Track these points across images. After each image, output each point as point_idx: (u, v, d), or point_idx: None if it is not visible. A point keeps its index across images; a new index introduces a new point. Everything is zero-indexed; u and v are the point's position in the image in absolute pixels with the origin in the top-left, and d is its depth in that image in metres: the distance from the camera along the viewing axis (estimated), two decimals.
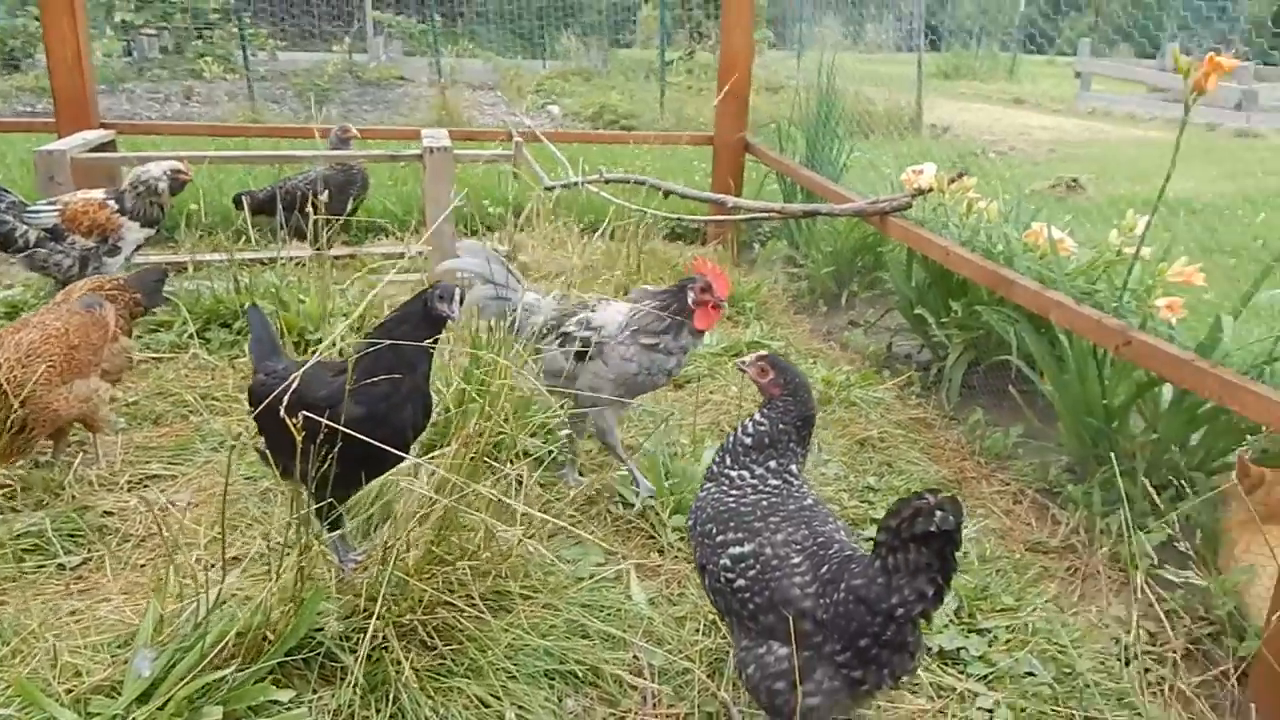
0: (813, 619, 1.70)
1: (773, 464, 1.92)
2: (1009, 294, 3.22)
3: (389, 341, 2.20)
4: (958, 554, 1.59)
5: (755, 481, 1.91)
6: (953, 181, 3.85)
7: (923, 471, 3.18)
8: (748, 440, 1.95)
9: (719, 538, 1.86)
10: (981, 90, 15.10)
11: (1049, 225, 3.43)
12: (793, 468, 1.93)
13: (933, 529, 1.55)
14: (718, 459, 1.99)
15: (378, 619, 1.96)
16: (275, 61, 13.73)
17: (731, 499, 1.90)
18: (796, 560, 1.76)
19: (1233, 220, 6.46)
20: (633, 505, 2.80)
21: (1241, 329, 2.86)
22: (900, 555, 1.61)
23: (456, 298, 2.21)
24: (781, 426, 1.93)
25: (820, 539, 1.80)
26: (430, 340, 2.23)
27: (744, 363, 2.04)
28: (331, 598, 2.10)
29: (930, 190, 3.87)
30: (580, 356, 2.81)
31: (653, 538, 2.69)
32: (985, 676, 2.18)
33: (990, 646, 2.28)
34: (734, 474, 1.93)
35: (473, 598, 2.10)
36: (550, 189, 4.45)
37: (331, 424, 1.93)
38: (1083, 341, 3.03)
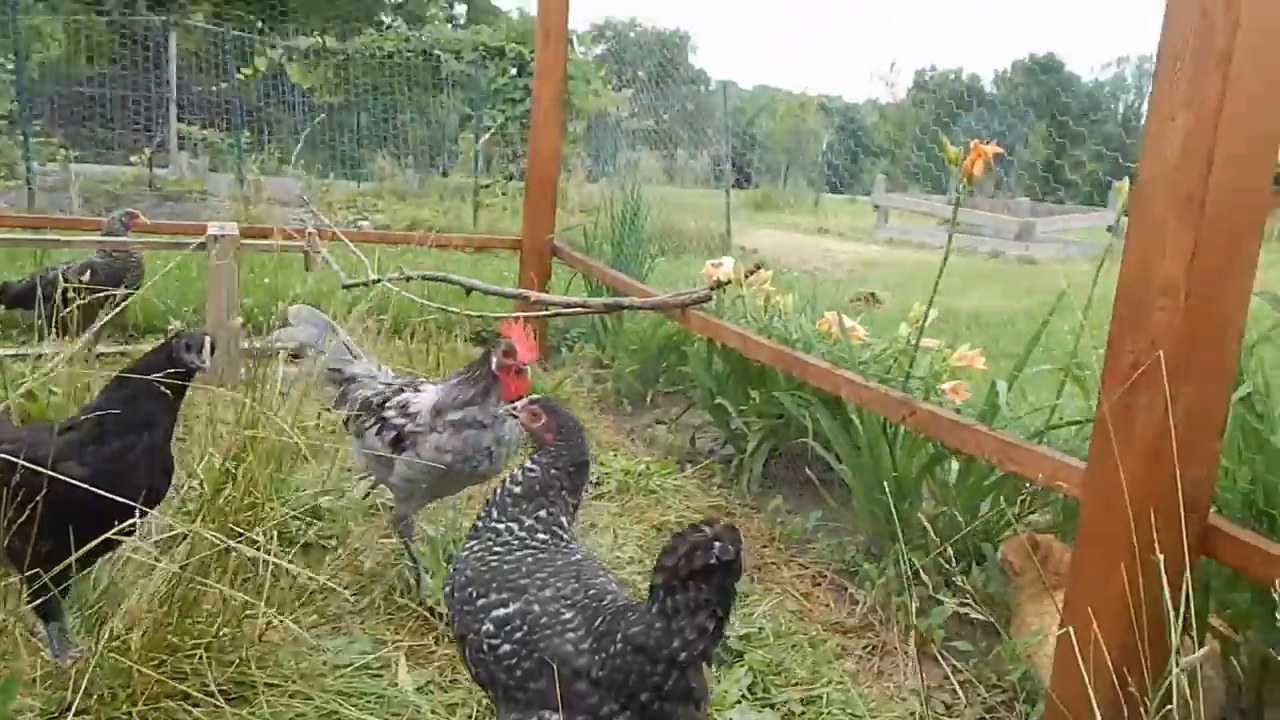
0: (588, 678, 1.55)
1: (542, 514, 1.79)
2: (803, 374, 3.29)
3: (125, 394, 1.95)
4: (737, 585, 1.50)
5: (524, 534, 1.76)
6: (749, 274, 3.97)
7: None
8: (516, 489, 1.81)
9: (480, 601, 1.68)
10: (788, 220, 16.17)
11: (840, 314, 3.57)
12: (563, 519, 1.81)
13: (712, 561, 1.45)
14: (484, 514, 1.84)
15: (87, 714, 1.64)
16: (64, 172, 12.90)
17: (495, 556, 1.74)
18: (568, 616, 1.62)
19: (1013, 330, 7.08)
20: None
21: (1017, 403, 3.04)
22: (679, 595, 1.50)
23: (206, 347, 2.00)
24: (554, 472, 1.81)
25: (592, 591, 1.66)
26: (175, 395, 2.00)
27: (515, 408, 1.93)
28: (36, 692, 1.76)
29: (729, 283, 3.97)
30: (397, 445, 2.62)
31: (428, 621, 2.45)
32: None
33: (780, 716, 2.18)
34: (501, 527, 1.78)
35: (209, 688, 1.81)
36: (348, 287, 4.28)
37: (50, 485, 1.66)
38: (873, 419, 3.12)
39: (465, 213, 12.08)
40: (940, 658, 2.58)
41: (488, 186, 12.85)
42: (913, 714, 2.39)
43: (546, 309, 4.47)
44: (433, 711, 2.02)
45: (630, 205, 5.36)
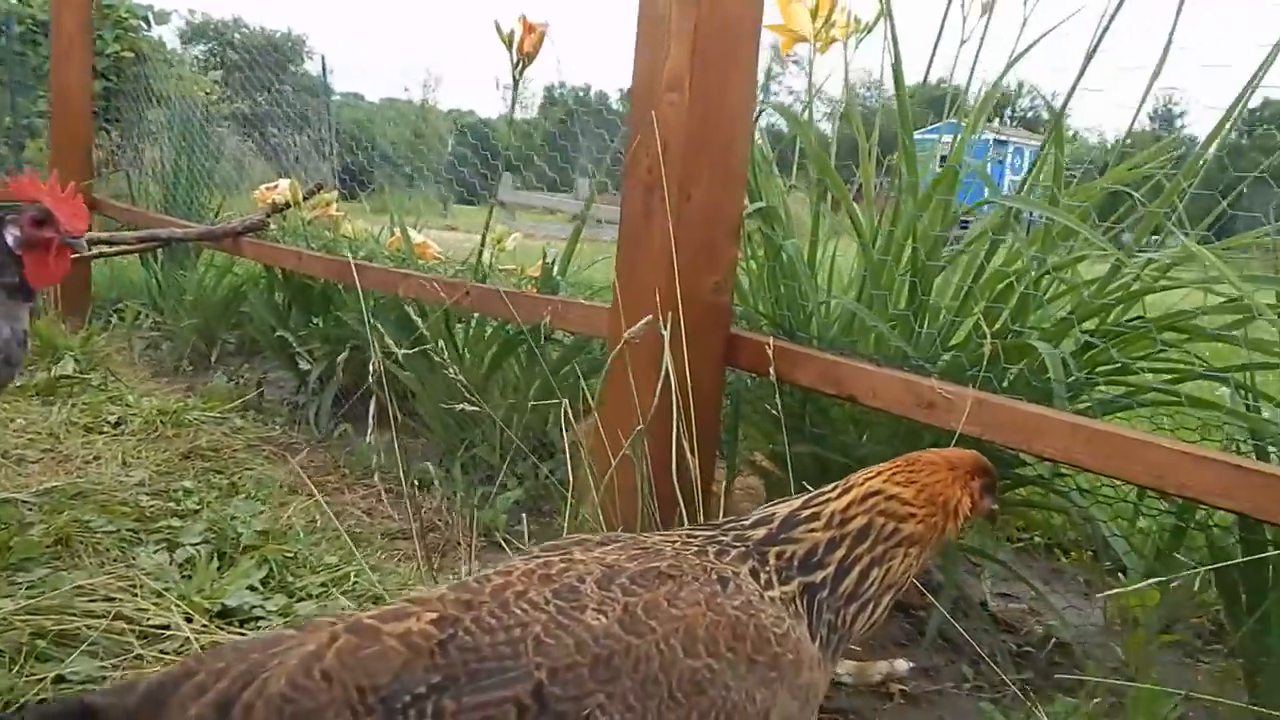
0: None
1: None
2: (362, 282, 2.98)
3: None
4: None
5: None
6: (309, 195, 3.59)
7: (261, 474, 2.70)
8: None
9: None
10: (415, 222, 15.71)
11: (404, 224, 3.32)
12: None
13: None
14: None
15: None
16: None
17: None
18: None
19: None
20: None
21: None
22: None
23: None
24: None
25: None
26: None
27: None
28: None
29: (288, 206, 3.56)
30: None
31: None
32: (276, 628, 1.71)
33: (293, 599, 1.84)
34: None
35: None
36: None
37: None
38: (437, 324, 2.90)
39: None
40: (504, 543, 2.42)
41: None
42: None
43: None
44: None
45: (190, 146, 4.73)
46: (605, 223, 3.51)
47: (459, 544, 2.50)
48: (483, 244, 3.07)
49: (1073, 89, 1.88)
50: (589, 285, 3.09)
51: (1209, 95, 1.81)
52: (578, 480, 2.53)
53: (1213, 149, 1.79)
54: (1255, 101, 1.79)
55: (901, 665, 1.86)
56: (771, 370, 1.65)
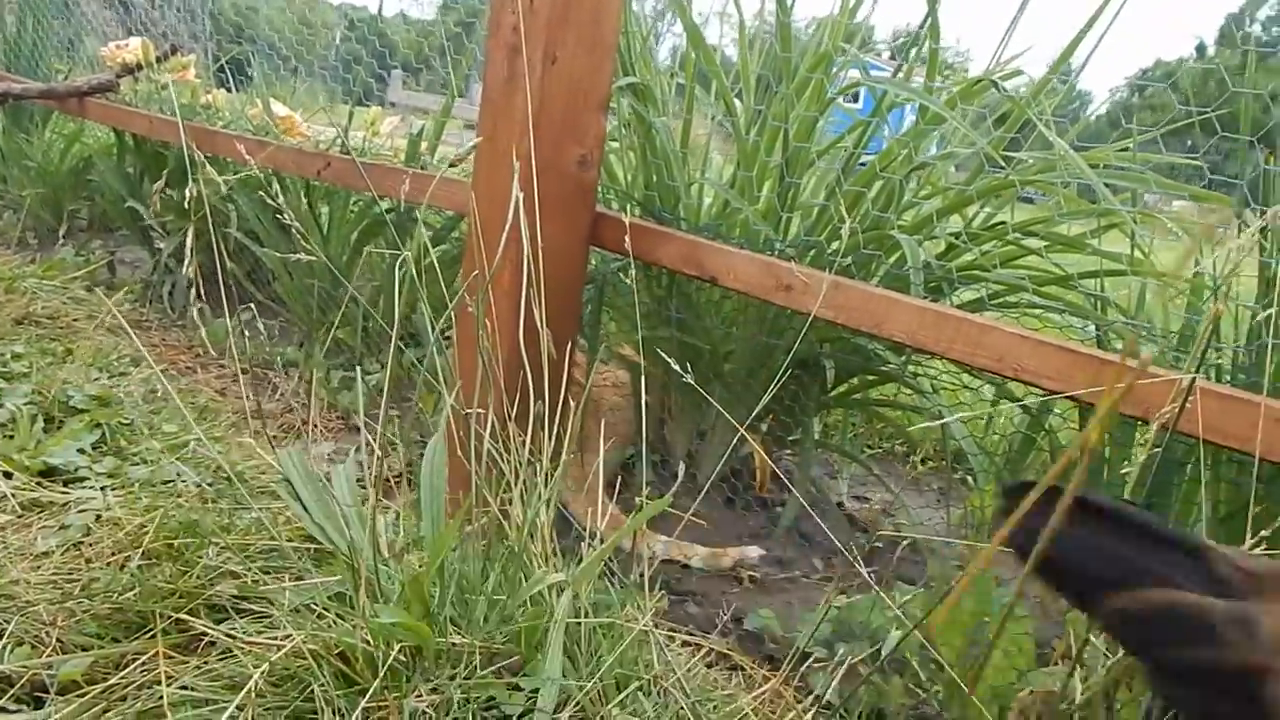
0: None
1: None
2: (214, 149, 2.80)
3: None
4: None
5: None
6: (163, 58, 3.33)
7: (101, 344, 2.55)
8: None
9: None
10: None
11: (265, 97, 3.13)
12: None
13: None
14: None
15: None
16: None
17: None
18: None
19: None
20: None
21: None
22: None
23: None
24: None
25: None
26: None
27: None
28: None
29: (140, 67, 3.30)
30: None
31: None
32: (105, 487, 1.64)
33: (127, 464, 1.76)
34: None
35: None
36: None
37: None
38: (295, 197, 2.78)
39: None
40: (363, 427, 2.37)
41: None
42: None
43: None
44: None
45: (38, 7, 4.33)
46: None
47: (316, 425, 2.45)
48: (349, 122, 2.93)
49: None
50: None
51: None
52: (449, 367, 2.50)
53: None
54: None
55: (753, 552, 1.89)
56: (628, 245, 1.63)
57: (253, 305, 2.97)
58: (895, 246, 1.75)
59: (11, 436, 1.76)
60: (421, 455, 2.28)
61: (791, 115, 1.87)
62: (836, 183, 1.85)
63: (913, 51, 1.93)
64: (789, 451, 2.23)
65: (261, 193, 2.88)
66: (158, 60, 3.28)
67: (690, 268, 1.75)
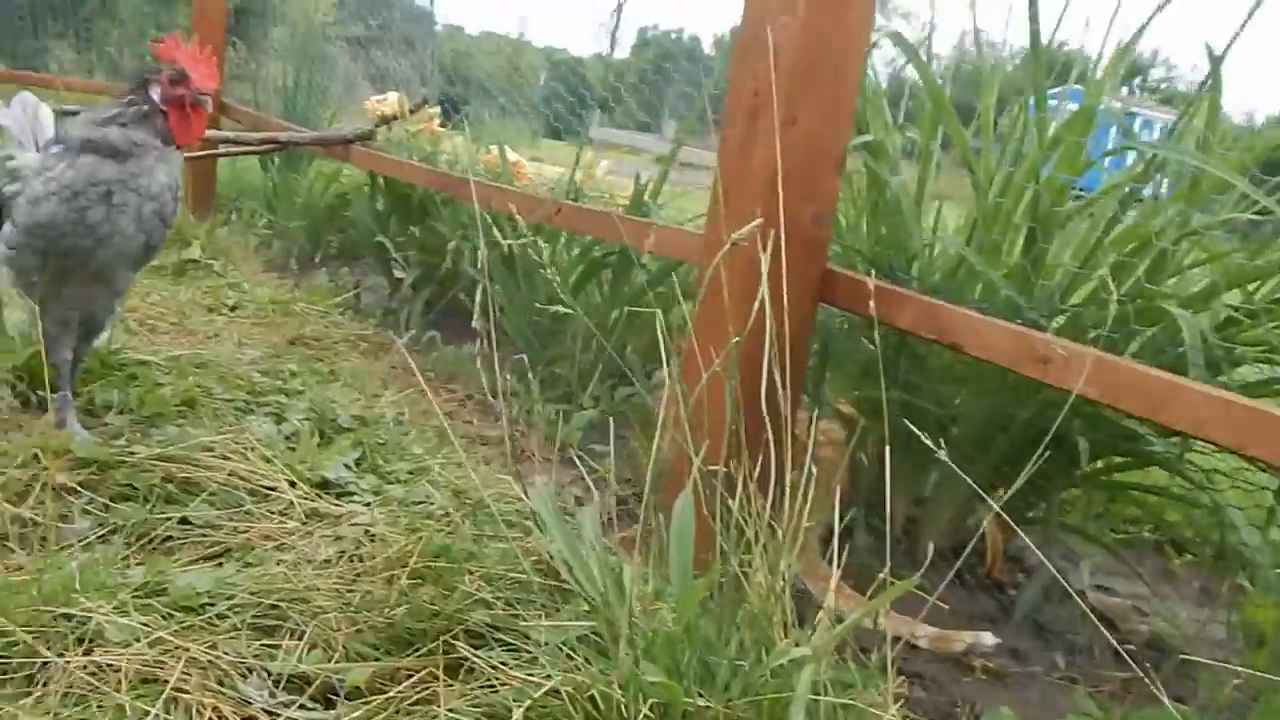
0: None
1: None
2: (455, 193, 3.05)
3: None
4: None
5: None
6: (415, 109, 3.66)
7: (357, 366, 2.82)
8: None
9: None
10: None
11: (501, 144, 3.37)
12: None
13: None
14: None
15: None
16: None
17: None
18: None
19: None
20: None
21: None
22: None
23: None
24: None
25: None
26: None
27: None
28: None
29: (395, 118, 3.64)
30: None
31: None
32: (370, 504, 1.80)
33: (384, 481, 1.93)
34: None
35: None
36: None
37: None
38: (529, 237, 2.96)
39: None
40: (577, 460, 2.48)
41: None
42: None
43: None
44: None
45: (310, 61, 4.86)
46: (687, 165, 3.51)
47: (534, 455, 2.58)
48: (575, 167, 3.12)
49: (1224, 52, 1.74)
50: (673, 219, 3.10)
51: None
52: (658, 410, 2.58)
53: None
54: None
55: (988, 639, 1.78)
56: (872, 308, 1.63)
57: (480, 336, 3.20)
58: (1158, 316, 1.66)
59: (294, 448, 1.97)
60: (635, 495, 2.39)
61: (1043, 177, 1.82)
62: (1095, 246, 1.77)
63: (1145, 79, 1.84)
64: (1025, 530, 2.13)
65: (495, 234, 3.11)
66: (410, 112, 3.60)
67: (929, 331, 1.72)
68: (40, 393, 2.08)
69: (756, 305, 1.56)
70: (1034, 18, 1.83)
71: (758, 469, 1.49)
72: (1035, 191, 1.81)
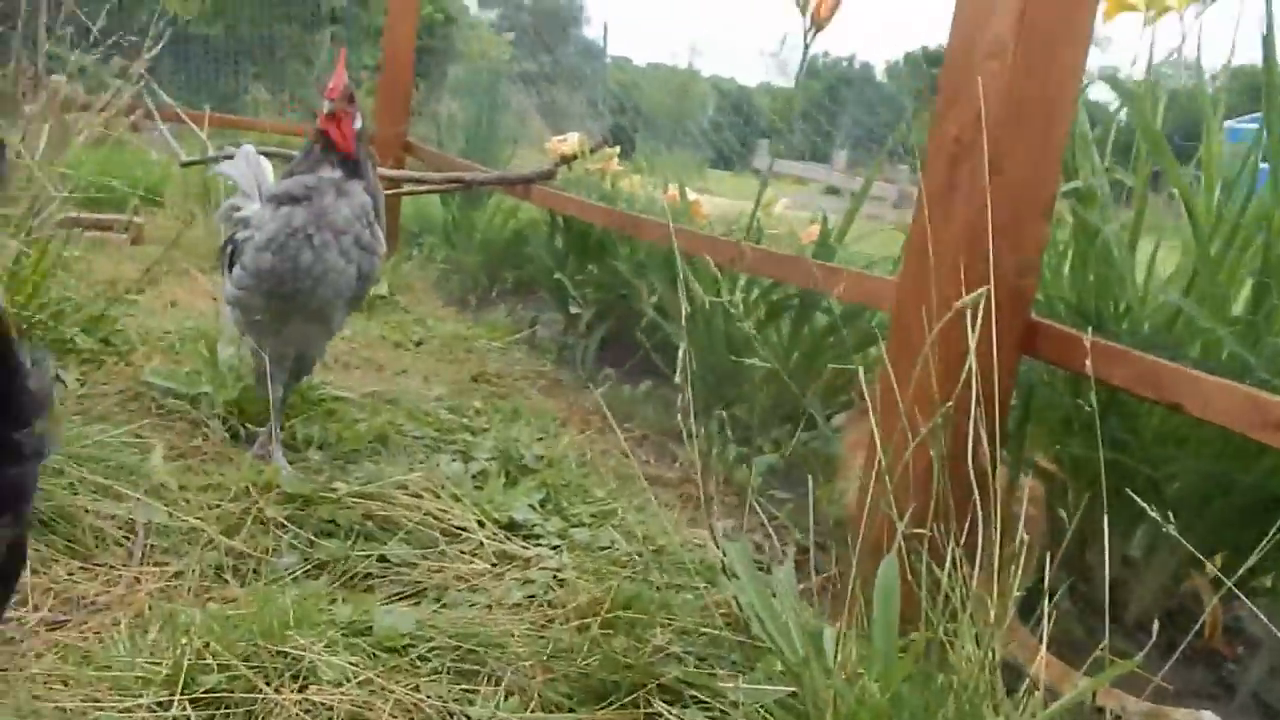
0: None
1: None
2: (636, 233, 3.09)
3: None
4: None
5: None
6: (595, 149, 3.75)
7: (537, 404, 2.88)
8: None
9: None
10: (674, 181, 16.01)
11: (681, 183, 3.39)
12: None
13: None
14: None
15: None
16: None
17: None
18: None
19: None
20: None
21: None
22: None
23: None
24: None
25: None
26: None
27: None
28: None
29: (575, 158, 3.74)
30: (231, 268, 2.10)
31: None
32: (557, 547, 1.83)
33: (568, 524, 1.96)
34: None
35: None
36: (187, 165, 3.91)
37: None
38: (706, 279, 2.96)
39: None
40: (757, 506, 2.45)
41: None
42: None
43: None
44: (181, 487, 1.80)
45: (489, 101, 5.09)
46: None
47: (711, 499, 2.57)
48: (756, 207, 3.10)
49: None
50: (854, 259, 3.04)
51: None
52: (839, 457, 2.51)
53: None
54: None
55: (1208, 717, 1.64)
56: (1088, 366, 1.53)
57: (656, 375, 3.23)
58: None
59: (480, 487, 2.04)
60: (818, 543, 2.33)
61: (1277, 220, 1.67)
62: None
63: None
64: (1247, 599, 1.95)
65: (669, 269, 3.14)
66: (590, 151, 3.69)
67: (1147, 390, 1.61)
68: (249, 426, 2.25)
69: (963, 362, 1.50)
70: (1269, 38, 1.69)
71: (965, 533, 1.42)
72: (1266, 239, 1.67)
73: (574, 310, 3.75)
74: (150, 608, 1.49)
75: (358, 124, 2.05)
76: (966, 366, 1.40)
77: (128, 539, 1.68)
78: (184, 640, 1.31)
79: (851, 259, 3.06)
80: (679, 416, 3.04)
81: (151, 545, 1.67)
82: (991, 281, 1.63)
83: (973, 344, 1.51)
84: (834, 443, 2.58)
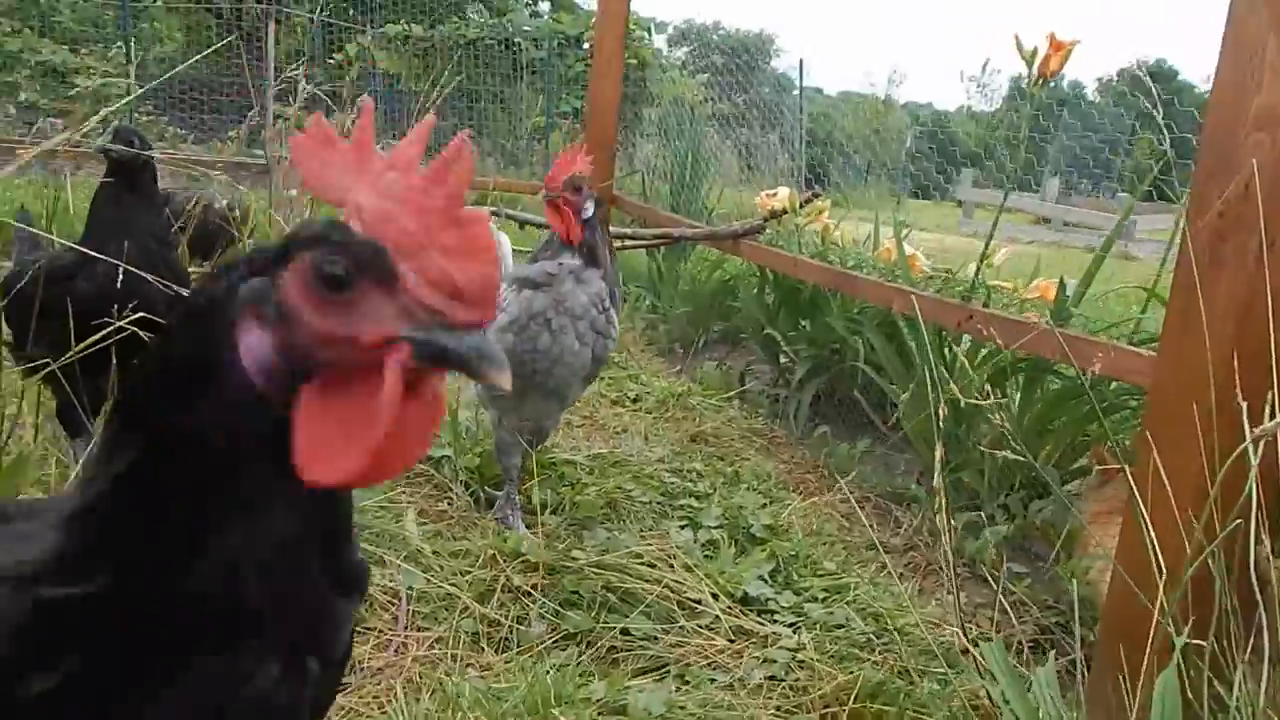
0: None
1: None
2: (853, 291, 3.07)
3: None
4: None
5: None
6: (805, 203, 3.75)
7: (756, 465, 2.90)
8: None
9: None
10: (870, 215, 15.65)
11: (898, 236, 3.33)
12: None
13: None
14: None
15: None
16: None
17: None
18: None
19: (1105, 310, 6.67)
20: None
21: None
22: None
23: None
24: None
25: None
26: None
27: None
28: None
29: (785, 212, 3.76)
30: None
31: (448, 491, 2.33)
32: (793, 624, 1.84)
33: (801, 598, 1.96)
34: None
35: None
36: None
37: None
38: (928, 337, 2.89)
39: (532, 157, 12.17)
40: (990, 579, 2.36)
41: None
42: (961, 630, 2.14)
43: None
44: (434, 552, 1.93)
45: (690, 150, 5.20)
46: (1075, 226, 3.21)
47: (941, 569, 2.50)
48: (981, 262, 2.99)
49: None
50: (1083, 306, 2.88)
51: None
52: (1078, 529, 2.38)
53: None
54: None
55: None
56: None
57: (872, 432, 3.19)
58: None
59: (710, 557, 2.09)
60: (1058, 624, 2.22)
61: None
62: None
63: None
64: None
65: (886, 325, 3.09)
66: (800, 205, 3.71)
67: None
68: (488, 490, 2.40)
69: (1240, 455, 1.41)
70: None
71: (1249, 646, 1.33)
72: None
73: (783, 363, 3.76)
74: (420, 674, 1.62)
75: (588, 212, 2.18)
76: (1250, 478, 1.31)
77: (392, 603, 1.84)
78: (458, 715, 1.42)
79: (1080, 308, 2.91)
80: (900, 478, 3.01)
81: (413, 611, 1.82)
82: (1274, 365, 1.52)
83: (1250, 440, 1.41)
84: (1072, 514, 2.45)
